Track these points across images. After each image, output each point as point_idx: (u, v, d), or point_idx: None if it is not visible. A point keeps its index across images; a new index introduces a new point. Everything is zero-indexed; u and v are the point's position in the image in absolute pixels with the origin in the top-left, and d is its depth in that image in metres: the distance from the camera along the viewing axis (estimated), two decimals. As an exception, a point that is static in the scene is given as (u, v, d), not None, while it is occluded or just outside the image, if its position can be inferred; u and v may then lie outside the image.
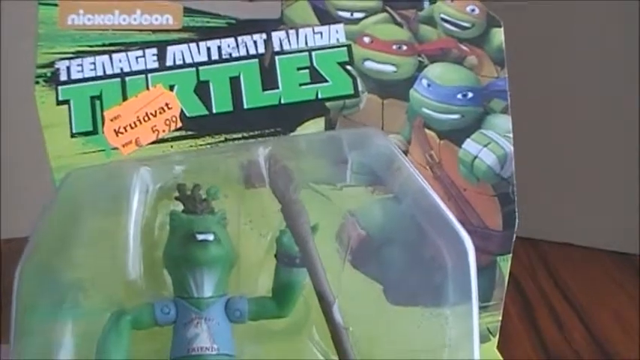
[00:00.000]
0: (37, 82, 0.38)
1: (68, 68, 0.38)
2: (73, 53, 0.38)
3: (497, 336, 0.37)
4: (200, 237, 0.31)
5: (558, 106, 0.63)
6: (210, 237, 0.31)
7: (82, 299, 0.32)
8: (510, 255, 0.37)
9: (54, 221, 0.32)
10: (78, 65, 0.38)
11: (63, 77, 0.38)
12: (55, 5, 0.38)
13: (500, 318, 0.37)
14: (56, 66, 0.38)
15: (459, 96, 0.39)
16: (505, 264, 0.37)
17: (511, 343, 0.50)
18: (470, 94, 0.39)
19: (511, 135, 0.38)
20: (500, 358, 0.36)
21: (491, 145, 0.38)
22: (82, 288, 0.32)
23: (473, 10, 0.39)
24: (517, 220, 0.37)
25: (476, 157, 0.38)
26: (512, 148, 0.38)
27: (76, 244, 0.33)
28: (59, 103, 0.38)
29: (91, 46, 0.38)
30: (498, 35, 0.39)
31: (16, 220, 0.61)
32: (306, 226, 0.31)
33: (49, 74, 0.38)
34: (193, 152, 0.36)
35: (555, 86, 0.63)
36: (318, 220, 0.33)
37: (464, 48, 0.39)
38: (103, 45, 0.38)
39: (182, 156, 0.35)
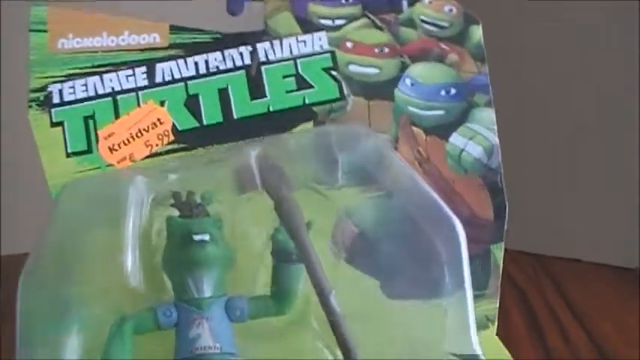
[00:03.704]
0: (31, 107, 0.39)
1: (60, 91, 0.39)
2: (64, 76, 0.39)
3: (496, 323, 0.37)
4: (197, 237, 0.32)
5: (564, 118, 0.64)
6: (207, 237, 0.32)
7: (85, 311, 0.33)
8: (503, 243, 0.38)
9: (52, 234, 0.33)
10: (70, 87, 0.39)
11: (56, 100, 0.39)
12: (45, 32, 0.40)
13: (498, 305, 0.37)
14: (49, 89, 0.39)
15: (442, 92, 0.40)
16: (499, 252, 0.38)
17: (517, 356, 0.50)
18: (453, 91, 0.40)
19: (495, 127, 0.39)
20: (501, 344, 0.36)
21: (477, 138, 0.39)
22: (84, 300, 0.33)
23: (450, 10, 0.40)
24: (507, 209, 0.38)
25: (463, 150, 0.39)
26: (497, 139, 0.39)
27: (75, 256, 0.33)
28: (53, 125, 0.39)
29: (81, 68, 0.39)
30: (477, 32, 0.40)
31: (16, 235, 0.61)
32: (300, 221, 0.32)
33: (41, 98, 0.39)
34: (186, 159, 0.37)
35: (561, 90, 0.64)
36: (313, 218, 0.34)
37: (444, 47, 0.40)
38: (93, 66, 0.39)
39: (175, 164, 0.36)
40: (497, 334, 0.37)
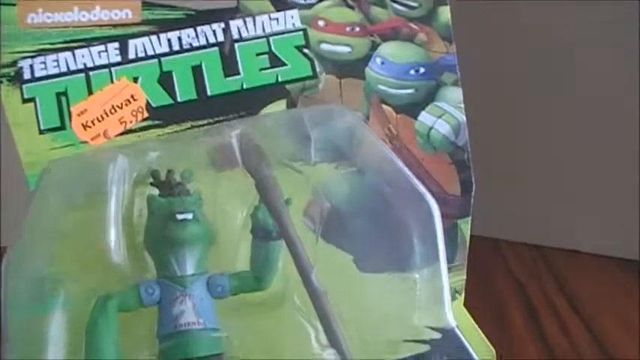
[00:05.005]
0: (1, 82, 0.39)
1: (31, 66, 0.39)
2: (35, 51, 0.39)
3: (464, 294, 0.39)
4: (180, 217, 0.32)
5: (561, 112, 0.64)
6: (190, 216, 0.32)
7: (68, 289, 0.33)
8: (470, 217, 0.40)
9: (35, 214, 0.33)
10: (41, 63, 0.39)
11: (27, 75, 0.39)
12: (14, 5, 0.39)
13: (465, 277, 0.39)
14: (19, 65, 0.39)
15: (412, 71, 0.41)
16: (466, 226, 0.40)
17: (516, 348, 0.51)
18: (422, 70, 0.41)
19: (462, 105, 0.40)
20: (467, 314, 0.38)
21: (445, 116, 0.40)
22: (67, 278, 0.33)
23: (419, -10, 0.41)
24: (474, 184, 0.40)
25: (431, 128, 0.40)
26: (464, 117, 0.40)
27: (58, 235, 0.33)
28: (25, 101, 0.39)
29: (52, 44, 0.39)
30: (445, 13, 0.41)
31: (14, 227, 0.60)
32: (280, 199, 0.33)
33: (12, 73, 0.39)
34: (167, 138, 0.37)
35: (554, 84, 0.64)
36: (290, 195, 0.35)
37: (413, 26, 0.41)
38: (65, 42, 0.39)
39: (156, 143, 0.36)
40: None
